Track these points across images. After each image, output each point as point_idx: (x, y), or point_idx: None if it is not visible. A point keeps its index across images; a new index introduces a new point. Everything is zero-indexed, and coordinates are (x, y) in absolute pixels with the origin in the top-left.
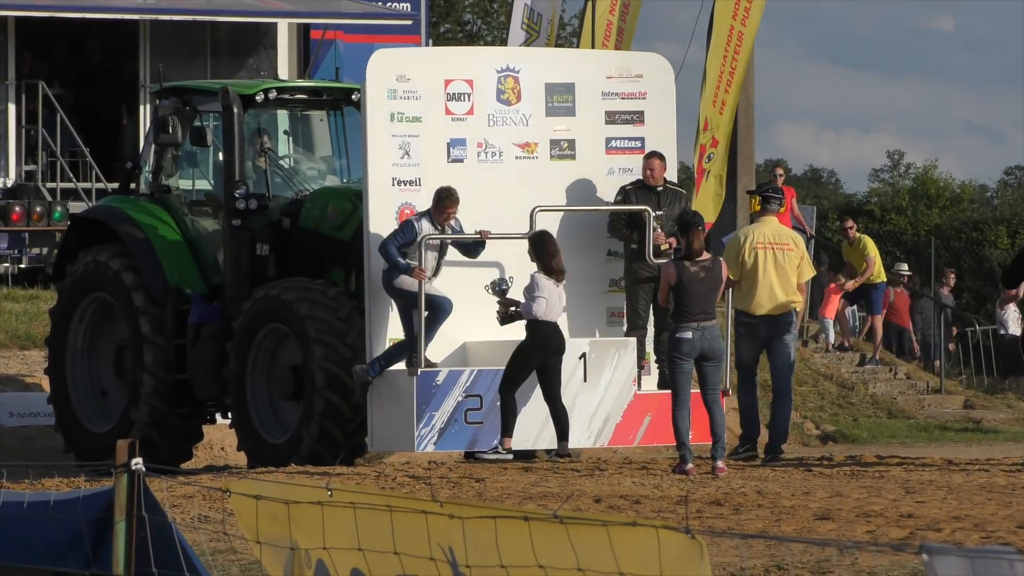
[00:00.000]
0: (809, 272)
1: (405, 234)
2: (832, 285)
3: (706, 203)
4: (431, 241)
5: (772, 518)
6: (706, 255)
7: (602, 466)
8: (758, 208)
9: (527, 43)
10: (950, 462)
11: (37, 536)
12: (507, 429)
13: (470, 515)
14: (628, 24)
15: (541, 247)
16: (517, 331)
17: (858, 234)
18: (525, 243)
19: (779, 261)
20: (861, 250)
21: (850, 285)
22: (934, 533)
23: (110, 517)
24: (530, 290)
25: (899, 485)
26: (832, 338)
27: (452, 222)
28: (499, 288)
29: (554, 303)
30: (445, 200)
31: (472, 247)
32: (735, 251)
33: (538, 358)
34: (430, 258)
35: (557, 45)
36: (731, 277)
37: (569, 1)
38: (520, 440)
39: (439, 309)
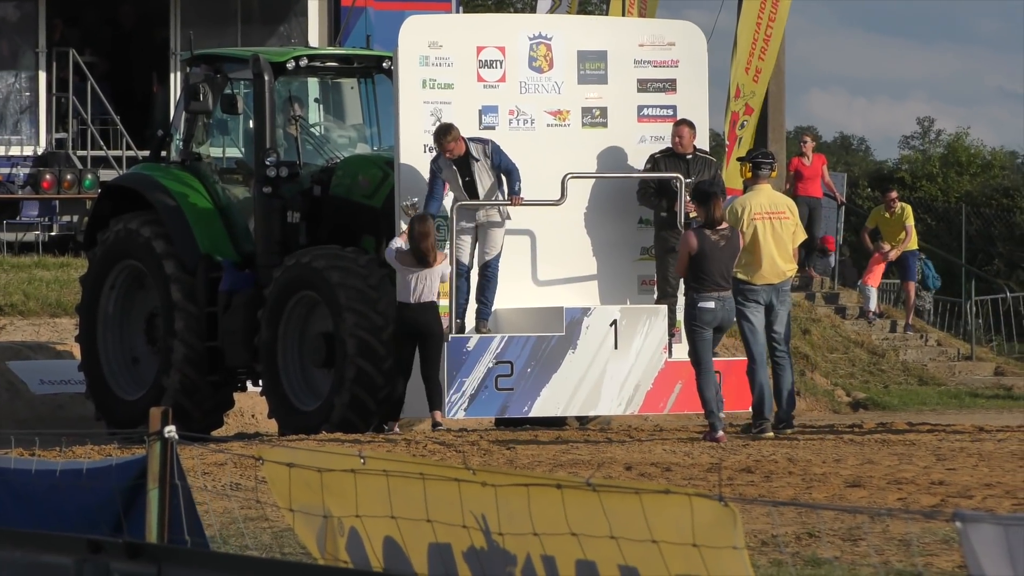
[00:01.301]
0: (802, 237)
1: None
2: (877, 255)
3: (737, 171)
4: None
5: (803, 485)
6: (725, 224)
7: (633, 433)
8: (749, 175)
9: (552, 10)
10: (981, 429)
11: (69, 504)
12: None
13: (503, 483)
14: None
15: (410, 228)
16: (549, 298)
17: (900, 203)
18: (555, 210)
19: (776, 230)
20: (903, 219)
21: (893, 254)
22: (965, 500)
23: (141, 485)
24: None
25: (930, 452)
26: (873, 305)
27: (478, 152)
28: (411, 203)
29: (413, 286)
30: (440, 137)
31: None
32: (733, 221)
33: (404, 340)
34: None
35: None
36: None
37: None
38: (550, 407)
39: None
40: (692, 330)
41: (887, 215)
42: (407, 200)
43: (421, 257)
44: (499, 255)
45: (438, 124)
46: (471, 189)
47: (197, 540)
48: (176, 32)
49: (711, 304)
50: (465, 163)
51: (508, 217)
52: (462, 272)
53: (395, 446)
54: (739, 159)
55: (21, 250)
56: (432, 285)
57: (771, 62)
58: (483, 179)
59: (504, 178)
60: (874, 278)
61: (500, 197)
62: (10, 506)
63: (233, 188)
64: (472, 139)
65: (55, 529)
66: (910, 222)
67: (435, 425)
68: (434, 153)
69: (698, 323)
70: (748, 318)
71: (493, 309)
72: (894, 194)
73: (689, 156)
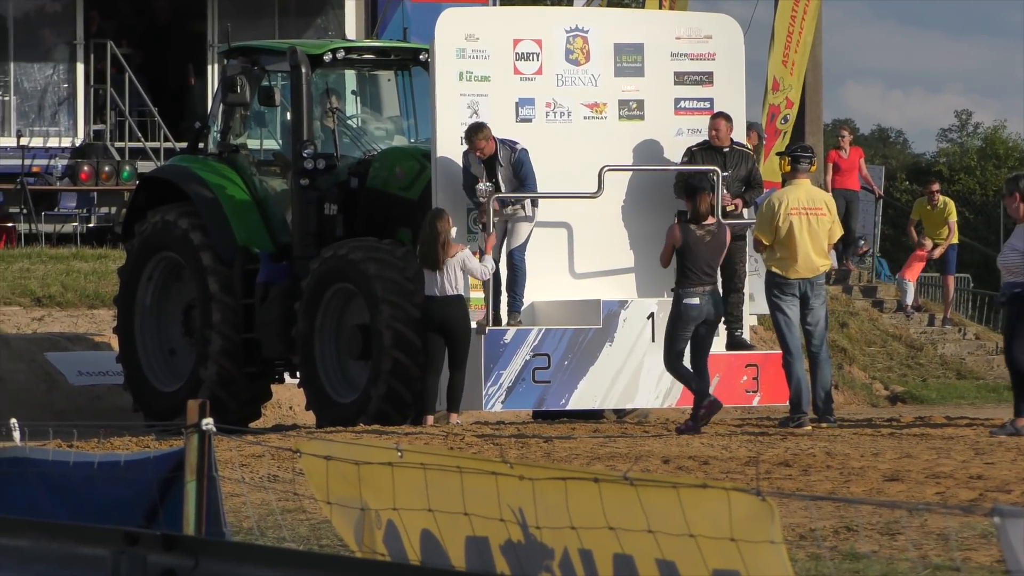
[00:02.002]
0: (839, 233)
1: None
2: (919, 251)
3: (774, 164)
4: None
5: (841, 479)
6: (711, 219)
7: (670, 426)
8: (788, 169)
9: (588, 4)
10: None
11: (106, 496)
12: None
13: (540, 476)
14: None
15: (424, 226)
16: (587, 291)
17: (942, 196)
18: (592, 202)
19: (812, 226)
20: (945, 214)
21: (937, 252)
22: (1004, 495)
23: (176, 477)
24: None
25: (968, 446)
26: (910, 299)
27: (504, 157)
28: (487, 187)
29: (437, 279)
30: (471, 135)
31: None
32: (769, 216)
33: (431, 334)
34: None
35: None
36: (764, 241)
37: None
38: (587, 400)
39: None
40: (673, 325)
41: (929, 208)
42: (484, 184)
43: (432, 260)
44: (523, 246)
45: (472, 121)
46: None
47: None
48: (213, 24)
49: (695, 300)
50: (492, 164)
51: (533, 217)
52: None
53: (432, 439)
54: (778, 153)
55: (59, 241)
56: (453, 277)
57: (805, 55)
58: (505, 184)
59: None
60: (912, 272)
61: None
62: (47, 498)
63: (270, 180)
64: (504, 141)
65: (91, 521)
66: (953, 218)
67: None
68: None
69: (683, 320)
70: (783, 311)
71: (530, 302)
72: (935, 186)
73: (726, 149)
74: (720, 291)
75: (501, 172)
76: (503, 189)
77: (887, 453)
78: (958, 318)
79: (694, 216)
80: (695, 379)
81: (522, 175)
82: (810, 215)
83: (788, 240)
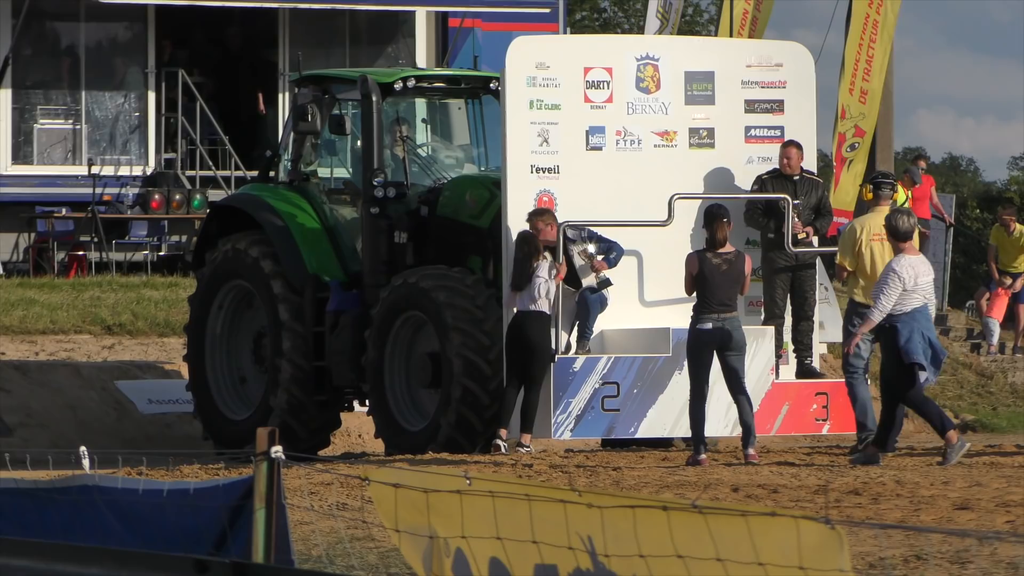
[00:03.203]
0: None
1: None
2: (1000, 290)
3: (845, 192)
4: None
5: (911, 508)
6: (730, 247)
7: (739, 455)
8: (870, 196)
9: (659, 31)
10: None
11: (175, 524)
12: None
13: (609, 504)
14: (763, 13)
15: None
16: (655, 319)
17: (1019, 225)
18: (663, 230)
19: (884, 253)
20: (1022, 242)
21: (1019, 284)
22: None
23: (244, 505)
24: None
25: None
26: (995, 340)
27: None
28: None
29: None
30: (532, 217)
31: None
32: (851, 242)
33: (508, 349)
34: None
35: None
36: (847, 267)
37: None
38: (656, 428)
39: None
40: (690, 352)
41: (1005, 234)
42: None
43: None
44: (595, 289)
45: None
46: (569, 279)
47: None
48: (285, 53)
49: (708, 326)
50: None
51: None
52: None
53: (501, 468)
54: (861, 184)
55: (130, 270)
56: (532, 291)
57: (877, 83)
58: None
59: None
60: (998, 311)
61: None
62: (117, 526)
63: (341, 208)
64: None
65: (161, 549)
66: None
67: (519, 445)
68: (549, 177)
69: (696, 344)
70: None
71: (600, 330)
72: (1007, 214)
73: (796, 177)
74: (739, 318)
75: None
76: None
77: (957, 482)
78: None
79: (711, 244)
80: (702, 431)
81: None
82: (886, 241)
83: (871, 266)
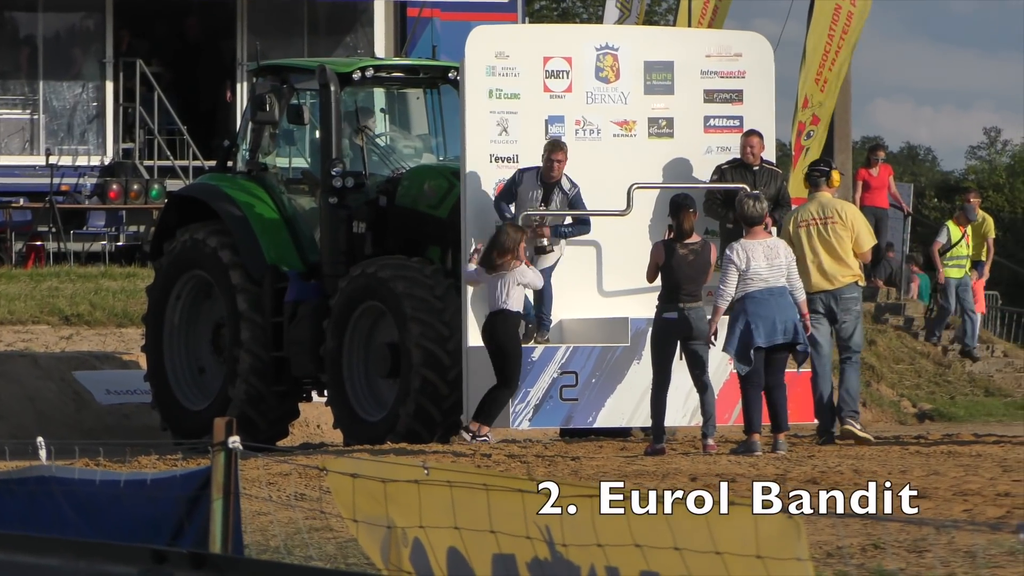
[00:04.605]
0: (867, 241)
1: (506, 187)
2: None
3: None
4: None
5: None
6: (696, 237)
7: (697, 444)
8: (808, 187)
9: (619, 21)
10: None
11: (132, 514)
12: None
13: (567, 494)
14: (723, 2)
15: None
16: (614, 309)
17: (982, 212)
18: (621, 220)
19: (823, 235)
20: (984, 231)
21: (985, 273)
22: None
23: (201, 496)
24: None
25: (996, 464)
26: (976, 337)
27: (564, 183)
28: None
29: (493, 294)
30: (549, 150)
31: (576, 226)
32: (786, 233)
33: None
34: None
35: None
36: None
37: None
38: (615, 418)
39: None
40: (654, 341)
41: (965, 222)
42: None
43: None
44: (550, 269)
45: (551, 138)
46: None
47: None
48: (243, 43)
49: (674, 314)
50: (551, 191)
51: (555, 249)
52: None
53: (459, 458)
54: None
55: (88, 260)
56: (507, 291)
57: (840, 73)
58: (555, 209)
59: (570, 218)
60: (980, 304)
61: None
62: (74, 517)
63: (299, 198)
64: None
65: (118, 540)
66: (992, 236)
67: (466, 430)
68: (508, 167)
69: (661, 334)
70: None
71: (558, 320)
72: (974, 196)
73: (756, 167)
74: (703, 308)
75: (557, 198)
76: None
77: (915, 471)
78: (987, 335)
79: (678, 234)
80: (663, 420)
81: (577, 207)
82: (819, 224)
83: (800, 252)
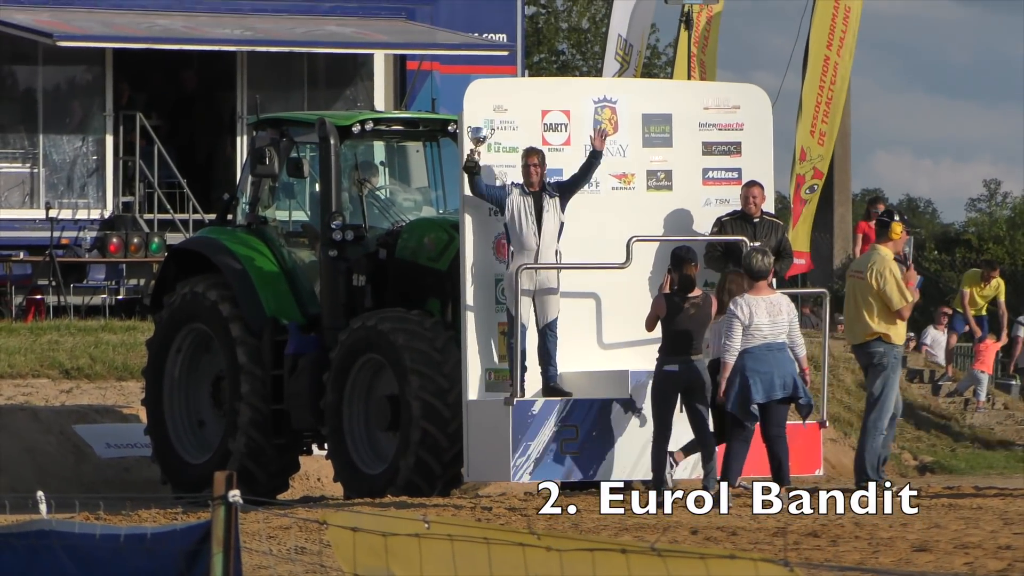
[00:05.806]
0: (896, 300)
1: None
2: (987, 342)
3: (804, 234)
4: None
5: (869, 549)
6: (698, 291)
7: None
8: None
9: (618, 73)
10: None
11: (133, 568)
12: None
13: (568, 547)
14: (708, 57)
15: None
16: (614, 361)
17: (997, 280)
18: (621, 273)
19: (854, 290)
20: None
21: (1003, 338)
22: None
23: (202, 549)
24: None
25: (997, 516)
26: (983, 396)
27: (548, 189)
28: (477, 135)
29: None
30: (525, 156)
31: (586, 172)
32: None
33: None
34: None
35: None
36: None
37: (663, 32)
38: (617, 471)
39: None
40: (653, 392)
41: (981, 284)
42: (475, 132)
43: None
44: (555, 322)
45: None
46: (539, 224)
47: None
48: (243, 96)
49: (675, 367)
50: (539, 199)
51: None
52: (523, 335)
53: (460, 511)
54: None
55: (88, 313)
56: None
57: (835, 124)
58: (550, 220)
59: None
60: (987, 362)
61: (558, 256)
62: (74, 571)
63: (299, 251)
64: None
65: None
66: (1002, 298)
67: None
68: (496, 216)
69: (663, 387)
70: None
71: (559, 372)
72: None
73: (756, 219)
74: (704, 361)
75: (549, 205)
76: (547, 227)
77: (916, 523)
78: (988, 388)
79: (680, 286)
80: (664, 473)
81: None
82: (855, 278)
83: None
